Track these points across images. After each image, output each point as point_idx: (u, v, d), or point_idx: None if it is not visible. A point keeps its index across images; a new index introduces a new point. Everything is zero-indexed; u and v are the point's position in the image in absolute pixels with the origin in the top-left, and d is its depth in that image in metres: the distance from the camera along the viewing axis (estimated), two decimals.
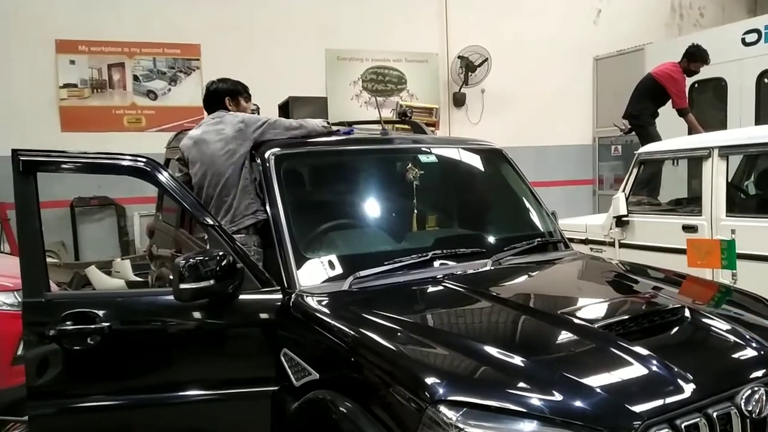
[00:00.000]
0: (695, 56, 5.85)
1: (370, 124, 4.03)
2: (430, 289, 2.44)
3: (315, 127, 2.97)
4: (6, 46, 6.60)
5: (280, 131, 2.88)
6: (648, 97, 5.98)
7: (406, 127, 4.02)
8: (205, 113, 3.22)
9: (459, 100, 8.54)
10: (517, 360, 1.78)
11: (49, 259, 4.45)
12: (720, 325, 2.06)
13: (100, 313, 2.26)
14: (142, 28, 7.08)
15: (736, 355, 1.94)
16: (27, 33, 6.65)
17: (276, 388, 2.25)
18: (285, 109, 4.82)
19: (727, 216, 4.12)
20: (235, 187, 2.82)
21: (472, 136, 3.68)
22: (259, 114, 3.29)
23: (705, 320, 2.10)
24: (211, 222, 2.42)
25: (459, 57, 8.25)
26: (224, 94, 3.17)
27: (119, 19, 6.99)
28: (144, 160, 2.43)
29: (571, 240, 4.03)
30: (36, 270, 2.26)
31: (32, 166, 2.25)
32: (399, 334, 1.98)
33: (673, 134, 5.53)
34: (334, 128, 3.13)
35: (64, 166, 2.41)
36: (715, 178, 4.20)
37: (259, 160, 2.78)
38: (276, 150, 2.78)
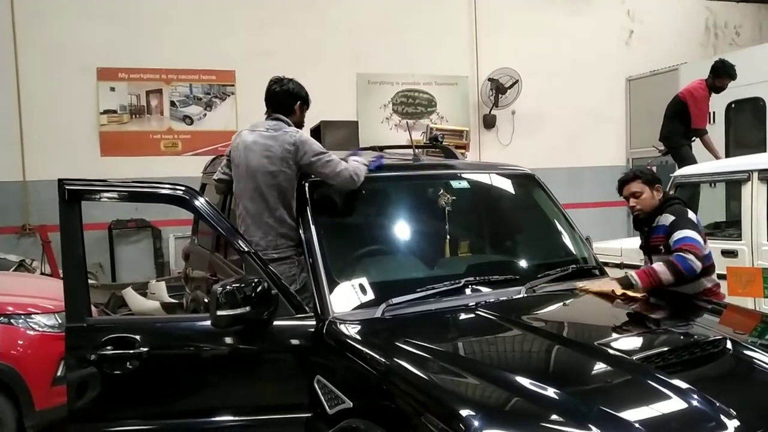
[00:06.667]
0: (720, 71, 5.66)
1: (401, 148, 4.06)
2: (463, 317, 2.42)
3: (362, 178, 2.75)
4: (52, 75, 6.87)
5: (329, 172, 2.70)
6: (677, 119, 5.85)
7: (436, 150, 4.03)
8: (265, 108, 2.95)
9: (489, 122, 8.53)
10: (553, 392, 1.75)
11: None
12: (764, 358, 1.99)
13: (139, 337, 2.31)
14: (179, 56, 7.29)
15: None
16: (71, 62, 6.91)
17: (309, 415, 2.25)
18: (317, 132, 4.89)
19: None
20: (277, 209, 2.74)
21: (502, 158, 3.68)
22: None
23: (748, 352, 2.04)
24: (245, 248, 2.46)
25: (489, 79, 8.26)
26: (297, 99, 2.93)
27: (157, 47, 7.21)
28: (182, 188, 2.49)
29: (606, 264, 3.95)
30: (78, 296, 2.33)
31: (77, 195, 2.34)
32: (433, 363, 1.97)
33: (708, 156, 5.44)
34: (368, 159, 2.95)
35: (106, 194, 2.49)
36: (755, 201, 4.10)
37: None
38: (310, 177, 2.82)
